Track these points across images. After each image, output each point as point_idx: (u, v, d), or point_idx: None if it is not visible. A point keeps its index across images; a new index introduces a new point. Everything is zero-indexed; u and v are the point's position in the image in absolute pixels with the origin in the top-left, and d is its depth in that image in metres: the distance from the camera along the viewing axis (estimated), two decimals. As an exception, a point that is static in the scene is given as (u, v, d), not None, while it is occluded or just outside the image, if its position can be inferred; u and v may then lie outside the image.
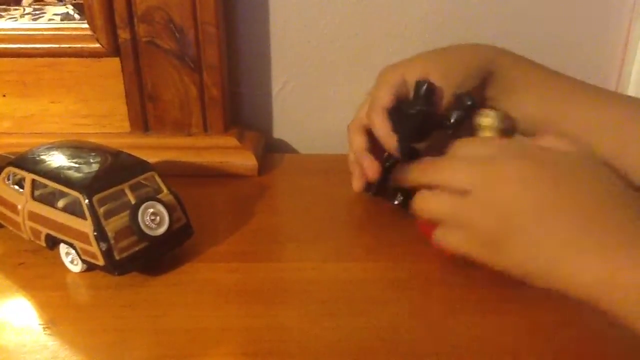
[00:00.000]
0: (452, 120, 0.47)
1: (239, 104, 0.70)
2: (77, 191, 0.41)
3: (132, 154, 0.47)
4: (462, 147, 0.40)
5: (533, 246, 0.34)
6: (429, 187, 0.40)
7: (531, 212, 0.35)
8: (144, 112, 0.62)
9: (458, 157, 0.40)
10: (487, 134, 0.47)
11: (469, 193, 0.37)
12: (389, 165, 0.50)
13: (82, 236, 0.41)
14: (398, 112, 0.47)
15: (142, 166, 0.45)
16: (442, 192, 0.39)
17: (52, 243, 0.43)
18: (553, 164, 0.37)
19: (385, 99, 0.49)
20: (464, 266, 0.41)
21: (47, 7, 0.66)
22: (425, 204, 0.40)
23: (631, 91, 0.68)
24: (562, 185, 0.35)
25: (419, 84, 0.47)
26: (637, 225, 0.33)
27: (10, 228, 0.46)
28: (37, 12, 0.65)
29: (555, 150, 0.38)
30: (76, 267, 0.43)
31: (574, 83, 0.53)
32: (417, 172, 0.42)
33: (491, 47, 0.53)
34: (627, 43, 0.68)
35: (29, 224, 0.44)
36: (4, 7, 0.65)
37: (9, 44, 0.59)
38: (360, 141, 0.51)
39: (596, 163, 0.37)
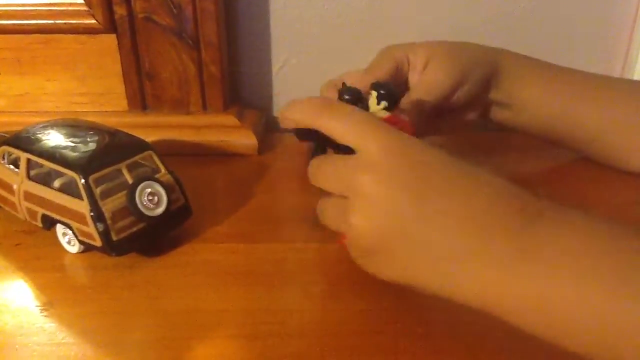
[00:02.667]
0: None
1: (239, 82, 0.69)
2: (73, 171, 0.40)
3: (130, 132, 0.46)
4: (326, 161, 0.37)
5: (412, 256, 0.32)
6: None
7: (409, 219, 0.32)
8: (142, 90, 0.61)
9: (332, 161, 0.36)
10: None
11: (345, 199, 0.34)
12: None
13: (78, 217, 0.40)
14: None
15: (140, 145, 0.44)
16: (331, 198, 0.36)
17: (49, 223, 0.43)
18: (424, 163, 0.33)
19: (382, 70, 0.48)
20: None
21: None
22: (322, 208, 0.38)
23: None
24: (439, 185, 0.32)
25: (374, 86, 0.42)
26: (523, 228, 0.30)
27: (6, 208, 0.46)
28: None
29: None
30: (73, 248, 0.42)
31: (582, 76, 0.53)
32: (310, 170, 0.38)
33: (496, 48, 0.52)
34: (629, 45, 0.68)
35: (24, 204, 0.43)
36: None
37: (2, 20, 0.58)
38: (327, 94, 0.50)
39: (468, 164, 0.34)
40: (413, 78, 0.50)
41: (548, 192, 0.33)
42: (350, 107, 0.36)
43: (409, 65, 0.50)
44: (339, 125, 0.35)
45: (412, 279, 0.33)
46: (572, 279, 0.28)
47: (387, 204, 0.32)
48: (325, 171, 0.36)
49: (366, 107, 0.42)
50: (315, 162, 0.37)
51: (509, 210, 0.31)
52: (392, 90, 0.42)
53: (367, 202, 0.32)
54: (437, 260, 0.31)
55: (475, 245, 0.30)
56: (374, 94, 0.41)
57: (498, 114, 0.54)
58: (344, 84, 0.42)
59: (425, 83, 0.49)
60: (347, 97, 0.41)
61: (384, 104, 0.41)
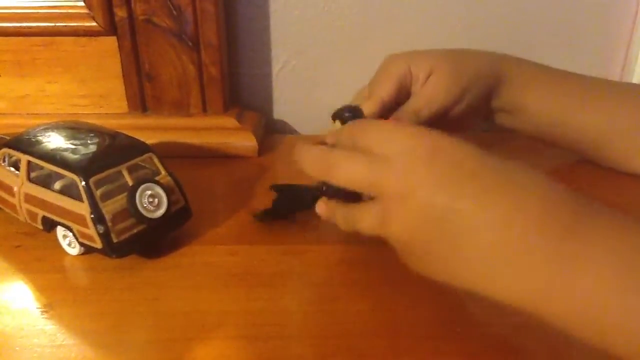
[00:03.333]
0: None
1: (239, 83, 0.69)
2: (74, 173, 0.40)
3: (130, 135, 0.46)
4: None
5: (456, 256, 0.31)
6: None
7: (451, 219, 0.31)
8: (142, 92, 0.61)
9: (352, 157, 0.35)
10: None
11: (376, 203, 0.33)
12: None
13: (79, 219, 0.40)
14: None
15: (140, 147, 0.44)
16: (346, 206, 0.36)
17: (49, 225, 0.43)
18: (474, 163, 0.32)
19: (386, 90, 0.47)
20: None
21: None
22: (353, 217, 0.36)
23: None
24: (484, 180, 0.31)
25: (337, 115, 0.42)
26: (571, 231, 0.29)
27: (7, 210, 0.46)
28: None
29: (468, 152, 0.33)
30: (74, 249, 0.43)
31: (584, 81, 0.53)
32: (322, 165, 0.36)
33: (499, 54, 0.52)
34: (629, 45, 0.68)
35: (25, 206, 0.43)
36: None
37: (3, 22, 0.58)
38: None
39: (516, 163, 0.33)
40: (415, 89, 0.49)
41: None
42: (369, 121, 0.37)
43: (411, 76, 0.49)
44: (374, 132, 0.34)
45: (448, 279, 0.33)
46: (623, 285, 0.27)
47: (431, 212, 0.31)
48: (346, 166, 0.34)
49: None
50: (325, 154, 0.36)
51: (561, 209, 0.30)
52: (353, 107, 0.43)
53: (412, 208, 0.31)
54: (483, 260, 0.30)
55: (523, 244, 0.29)
56: (338, 122, 0.42)
57: (500, 119, 0.54)
58: (342, 108, 0.42)
59: (425, 97, 0.48)
60: (347, 114, 0.41)
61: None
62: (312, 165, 0.37)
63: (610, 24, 0.67)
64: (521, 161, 0.32)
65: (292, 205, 0.47)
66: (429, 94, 0.48)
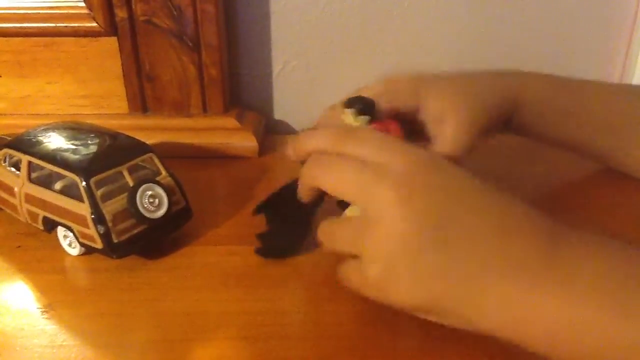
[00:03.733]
0: None
1: (239, 84, 0.69)
2: (74, 173, 0.40)
3: (131, 135, 0.46)
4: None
5: (421, 282, 0.31)
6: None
7: (416, 244, 0.30)
8: (142, 93, 0.61)
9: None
10: None
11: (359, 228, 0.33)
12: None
13: (79, 219, 0.40)
14: None
15: (141, 148, 0.44)
16: (343, 222, 0.35)
17: (50, 226, 0.43)
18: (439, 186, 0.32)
19: (374, 92, 0.44)
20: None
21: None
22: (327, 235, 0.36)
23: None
24: (454, 208, 0.31)
25: (348, 104, 0.42)
26: (543, 254, 0.30)
27: (7, 211, 0.46)
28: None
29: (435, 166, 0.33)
30: (74, 250, 0.43)
31: (602, 105, 0.51)
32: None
33: (515, 74, 0.49)
34: (629, 45, 0.68)
35: (25, 206, 0.43)
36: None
37: (3, 23, 0.58)
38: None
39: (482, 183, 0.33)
40: (427, 123, 0.46)
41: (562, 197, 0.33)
42: (370, 130, 0.36)
43: (417, 104, 0.46)
44: (365, 148, 0.34)
45: (433, 304, 0.32)
46: (607, 305, 0.28)
47: (422, 215, 0.31)
48: (339, 173, 0.34)
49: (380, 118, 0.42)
50: (323, 159, 0.36)
51: (539, 230, 0.31)
52: (367, 100, 0.42)
53: (401, 211, 0.31)
54: (462, 282, 0.30)
55: (503, 266, 0.29)
56: (349, 111, 0.41)
57: (516, 133, 0.52)
58: (351, 99, 0.42)
59: (448, 142, 0.45)
60: (359, 106, 0.41)
61: (364, 118, 0.41)
62: (305, 168, 0.37)
63: (610, 24, 0.67)
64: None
65: (287, 237, 0.43)
66: (450, 139, 0.45)
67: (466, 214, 0.31)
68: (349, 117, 0.41)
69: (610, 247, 0.30)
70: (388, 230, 0.31)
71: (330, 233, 0.35)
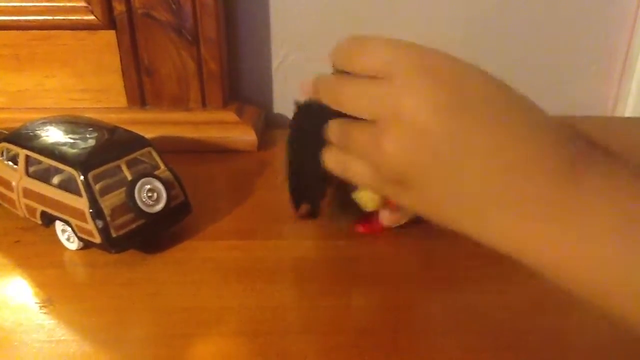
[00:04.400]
0: None
1: (238, 78, 0.68)
2: (72, 167, 0.40)
3: (129, 129, 0.46)
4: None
5: (445, 191, 0.29)
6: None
7: (448, 152, 0.28)
8: (141, 87, 0.61)
9: (356, 82, 0.33)
10: None
11: (374, 123, 0.31)
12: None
13: (77, 213, 0.40)
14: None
15: (139, 142, 0.44)
16: (351, 121, 0.33)
17: (48, 220, 0.43)
18: (474, 87, 0.30)
19: None
20: (466, 244, 0.40)
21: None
22: (344, 132, 0.34)
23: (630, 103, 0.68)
24: (485, 112, 0.29)
25: None
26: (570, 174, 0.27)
27: (6, 205, 0.45)
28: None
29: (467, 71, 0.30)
30: (72, 244, 0.42)
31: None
32: (326, 87, 0.35)
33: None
34: (629, 45, 0.68)
35: (24, 201, 0.43)
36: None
37: (0, 15, 0.57)
38: None
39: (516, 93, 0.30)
40: None
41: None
42: (379, 38, 0.33)
43: None
44: (374, 52, 0.32)
45: (443, 216, 0.31)
46: (624, 242, 0.25)
47: (427, 134, 0.29)
48: (350, 91, 0.33)
49: None
50: (335, 80, 0.34)
51: (560, 152, 0.28)
52: None
53: (405, 130, 0.29)
54: (471, 199, 0.29)
55: (515, 188, 0.27)
56: None
57: None
58: None
59: None
60: None
61: None
62: (324, 94, 0.35)
63: (610, 24, 0.67)
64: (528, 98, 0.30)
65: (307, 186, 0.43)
66: None
67: (480, 129, 0.28)
68: None
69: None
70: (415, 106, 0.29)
71: (339, 90, 0.34)
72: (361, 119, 0.32)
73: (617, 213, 0.26)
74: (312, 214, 0.44)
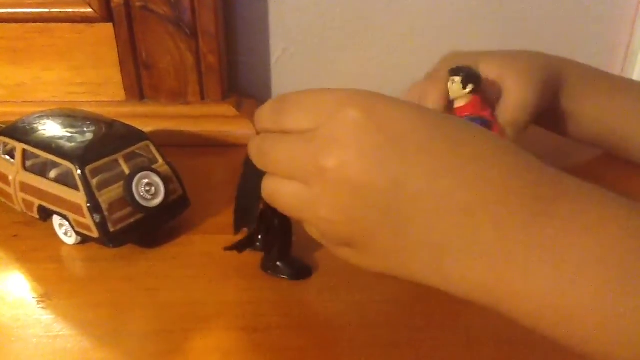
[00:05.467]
0: None
1: (237, 71, 0.68)
2: (69, 161, 0.39)
3: (127, 123, 0.45)
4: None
5: (396, 245, 0.27)
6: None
7: (389, 203, 0.26)
8: (139, 80, 0.61)
9: (279, 141, 0.30)
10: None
11: (306, 186, 0.28)
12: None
13: (75, 208, 0.40)
14: None
15: (137, 136, 0.44)
16: (286, 181, 0.30)
17: (45, 215, 0.42)
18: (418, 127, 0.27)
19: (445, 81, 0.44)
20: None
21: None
22: (274, 197, 0.31)
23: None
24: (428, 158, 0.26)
25: (455, 72, 0.43)
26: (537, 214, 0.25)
27: (3, 199, 0.45)
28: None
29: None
30: (70, 239, 0.42)
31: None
32: (253, 151, 0.32)
33: (559, 58, 0.49)
34: (629, 45, 0.67)
35: (21, 195, 0.43)
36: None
37: (-3, 8, 0.57)
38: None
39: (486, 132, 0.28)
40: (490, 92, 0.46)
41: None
42: (302, 92, 0.30)
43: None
44: (295, 106, 0.30)
45: (402, 271, 0.28)
46: (596, 280, 0.23)
47: (360, 190, 0.26)
48: (278, 153, 0.30)
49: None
50: (261, 141, 0.31)
51: (520, 186, 0.25)
52: (474, 71, 0.43)
53: (337, 190, 0.27)
54: (427, 248, 0.26)
55: (471, 231, 0.25)
56: (458, 79, 0.42)
57: (548, 124, 0.51)
58: (457, 67, 0.43)
59: (516, 103, 0.45)
60: (466, 74, 0.42)
61: (470, 86, 0.42)
62: (254, 156, 0.32)
63: (610, 24, 0.66)
64: (478, 127, 0.28)
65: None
66: (518, 99, 0.45)
67: (421, 171, 0.26)
68: (457, 84, 0.42)
69: (609, 213, 0.25)
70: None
71: (265, 152, 0.31)
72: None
73: (587, 251, 0.24)
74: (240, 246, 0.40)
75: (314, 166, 0.27)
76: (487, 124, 0.43)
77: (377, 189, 0.26)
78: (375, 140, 0.26)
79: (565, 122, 0.50)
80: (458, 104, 0.44)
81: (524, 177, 0.26)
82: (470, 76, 0.43)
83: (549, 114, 0.49)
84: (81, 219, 0.40)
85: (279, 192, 0.30)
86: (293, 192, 0.29)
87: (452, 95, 0.43)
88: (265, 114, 0.32)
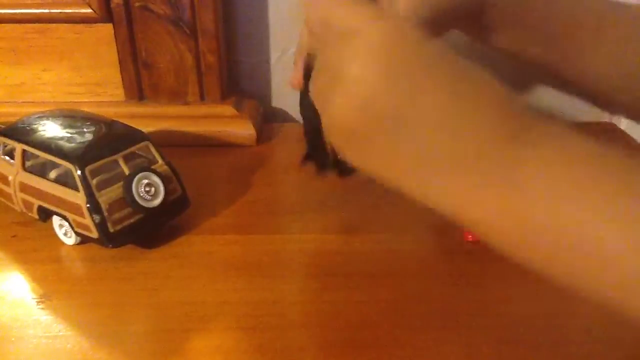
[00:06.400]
0: None
1: (237, 71, 0.68)
2: (69, 162, 0.39)
3: (127, 123, 0.45)
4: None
5: (389, 146, 0.29)
6: None
7: (390, 108, 0.29)
8: (139, 80, 0.60)
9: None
10: None
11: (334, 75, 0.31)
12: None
13: (74, 208, 0.40)
14: None
15: (137, 136, 0.44)
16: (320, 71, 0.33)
17: (45, 215, 0.42)
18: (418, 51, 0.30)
19: None
20: (467, 242, 0.40)
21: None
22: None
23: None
24: (429, 78, 0.29)
25: None
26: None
27: (2, 199, 0.45)
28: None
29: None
30: (70, 239, 0.42)
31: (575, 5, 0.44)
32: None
33: None
34: None
35: (20, 195, 0.43)
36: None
37: (-3, 9, 0.57)
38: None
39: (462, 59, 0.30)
40: None
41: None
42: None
43: None
44: (340, 10, 0.32)
45: (386, 174, 0.31)
46: (547, 201, 0.26)
47: (371, 89, 0.29)
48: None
49: None
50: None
51: (500, 115, 0.28)
52: None
53: (352, 84, 0.30)
54: (415, 157, 0.29)
55: (459, 147, 0.28)
56: None
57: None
58: None
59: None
60: None
61: None
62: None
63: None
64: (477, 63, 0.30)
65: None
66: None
67: (423, 88, 0.29)
68: None
69: (581, 149, 0.27)
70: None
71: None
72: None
73: (572, 172, 0.26)
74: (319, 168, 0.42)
75: (338, 66, 0.30)
76: None
77: (388, 95, 0.29)
78: (395, 58, 0.29)
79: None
80: None
81: (515, 112, 0.29)
82: None
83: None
84: (81, 220, 0.40)
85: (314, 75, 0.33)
86: (321, 76, 0.32)
87: None
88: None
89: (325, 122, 0.32)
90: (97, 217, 0.39)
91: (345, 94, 0.30)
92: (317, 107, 0.33)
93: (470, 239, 0.43)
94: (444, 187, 0.28)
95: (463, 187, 0.28)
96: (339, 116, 0.31)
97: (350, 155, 0.32)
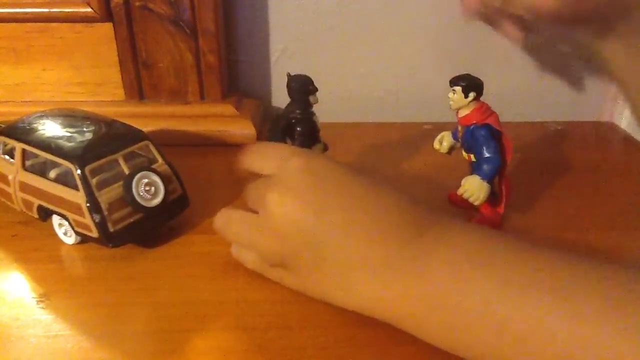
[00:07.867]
0: None
1: (237, 71, 0.68)
2: (69, 161, 0.39)
3: (127, 122, 0.45)
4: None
5: (314, 267, 0.34)
6: None
7: (310, 232, 0.34)
8: (139, 80, 0.61)
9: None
10: None
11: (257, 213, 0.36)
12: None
13: (74, 207, 0.40)
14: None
15: (137, 135, 0.44)
16: (238, 211, 0.38)
17: (45, 214, 0.42)
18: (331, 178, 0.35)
19: None
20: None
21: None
22: (226, 226, 0.39)
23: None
24: (340, 200, 0.34)
25: (454, 82, 0.42)
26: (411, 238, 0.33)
27: (2, 199, 0.45)
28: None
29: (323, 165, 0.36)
30: (70, 239, 0.42)
31: None
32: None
33: None
34: None
35: (20, 195, 0.43)
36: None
37: (-3, 8, 0.57)
38: None
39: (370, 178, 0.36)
40: None
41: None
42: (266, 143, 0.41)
43: None
44: (258, 158, 0.39)
45: (319, 292, 0.36)
46: (450, 284, 0.30)
47: (292, 218, 0.34)
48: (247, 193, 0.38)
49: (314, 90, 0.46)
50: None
51: (403, 221, 0.33)
52: (474, 78, 0.42)
53: (276, 218, 0.34)
54: (338, 271, 0.33)
55: (371, 255, 0.32)
56: (458, 89, 0.42)
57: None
58: (458, 76, 0.42)
59: None
60: (466, 83, 0.42)
61: (472, 94, 0.42)
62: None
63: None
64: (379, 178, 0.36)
65: None
66: None
67: (335, 208, 0.34)
68: (458, 94, 0.42)
69: (476, 236, 0.33)
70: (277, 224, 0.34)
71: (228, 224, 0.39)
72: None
73: (446, 260, 0.31)
74: None
75: (262, 198, 0.35)
76: (495, 132, 0.42)
77: (304, 219, 0.34)
78: (307, 183, 0.35)
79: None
80: (462, 113, 0.43)
81: (409, 211, 0.34)
82: (470, 84, 0.42)
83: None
84: (81, 219, 0.40)
85: (231, 218, 0.38)
86: (243, 218, 0.37)
87: (454, 106, 0.43)
88: (252, 154, 0.41)
89: (258, 259, 0.38)
90: (97, 217, 0.39)
91: (270, 229, 0.35)
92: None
93: (453, 200, 0.47)
94: (365, 290, 0.33)
95: (380, 286, 0.32)
96: (267, 254, 0.36)
97: (288, 282, 0.37)
